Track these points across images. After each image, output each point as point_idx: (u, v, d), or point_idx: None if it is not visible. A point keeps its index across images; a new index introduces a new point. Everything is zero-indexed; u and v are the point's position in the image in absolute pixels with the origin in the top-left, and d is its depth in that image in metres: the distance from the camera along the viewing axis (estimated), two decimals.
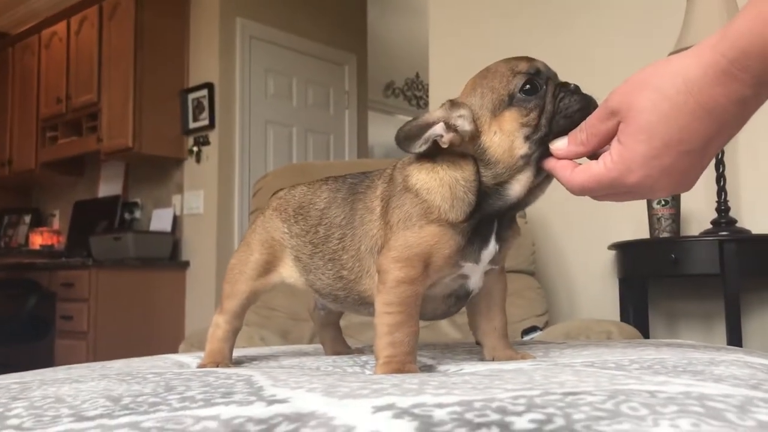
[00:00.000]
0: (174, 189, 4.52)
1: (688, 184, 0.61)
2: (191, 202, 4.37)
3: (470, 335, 0.77)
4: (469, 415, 0.35)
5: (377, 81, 6.16)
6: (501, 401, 0.37)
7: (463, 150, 0.66)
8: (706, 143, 0.56)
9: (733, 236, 2.23)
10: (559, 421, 0.33)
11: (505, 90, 0.65)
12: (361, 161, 3.56)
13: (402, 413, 0.37)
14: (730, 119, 0.54)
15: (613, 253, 2.61)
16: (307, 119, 4.80)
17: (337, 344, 0.94)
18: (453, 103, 0.66)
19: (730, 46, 0.51)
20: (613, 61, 2.69)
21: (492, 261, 0.70)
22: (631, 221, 2.56)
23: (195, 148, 4.34)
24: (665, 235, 2.37)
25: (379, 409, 0.38)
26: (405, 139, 0.65)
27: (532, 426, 0.33)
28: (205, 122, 4.27)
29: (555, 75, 0.69)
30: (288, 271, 0.81)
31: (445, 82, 3.26)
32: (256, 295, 0.83)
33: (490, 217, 0.67)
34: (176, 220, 4.45)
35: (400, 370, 0.62)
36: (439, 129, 0.65)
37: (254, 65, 4.48)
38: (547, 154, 0.66)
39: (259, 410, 0.40)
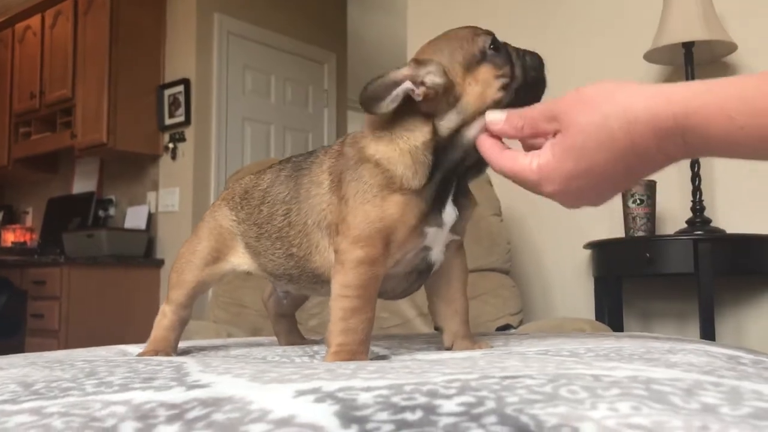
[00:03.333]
0: (149, 186, 4.46)
1: (598, 203, 0.64)
2: (166, 200, 4.32)
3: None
4: (395, 399, 0.32)
5: (357, 80, 6.12)
6: (434, 385, 0.35)
7: (431, 108, 0.66)
8: (627, 177, 0.60)
9: (708, 236, 2.23)
10: (490, 404, 0.30)
11: (476, 47, 0.67)
12: None
13: (325, 397, 0.34)
14: (654, 166, 0.58)
15: (588, 252, 2.60)
16: (286, 117, 4.76)
17: (292, 335, 0.91)
18: (419, 62, 0.66)
19: (684, 114, 0.54)
20: (590, 60, 2.69)
21: (453, 229, 0.69)
22: (607, 220, 2.55)
23: (171, 145, 4.29)
24: (640, 234, 2.36)
25: (301, 393, 0.35)
26: (370, 99, 0.64)
27: (460, 409, 0.30)
28: (181, 118, 4.22)
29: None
30: (239, 259, 0.79)
31: None
32: (204, 285, 0.80)
33: (447, 178, 0.66)
34: (151, 218, 4.40)
35: (350, 360, 0.59)
36: (408, 85, 0.64)
37: (232, 62, 4.43)
38: (515, 102, 0.67)
39: (175, 395, 0.37)
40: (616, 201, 2.41)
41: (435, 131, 0.65)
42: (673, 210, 2.46)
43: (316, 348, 0.80)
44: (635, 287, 2.64)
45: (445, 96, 0.65)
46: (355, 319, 0.61)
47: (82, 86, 4.34)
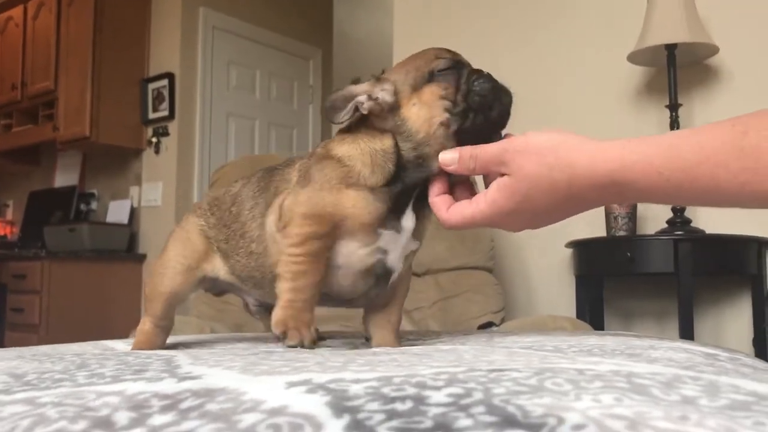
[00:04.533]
0: (132, 180, 4.44)
1: (535, 228, 0.71)
2: (149, 194, 4.30)
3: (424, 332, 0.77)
4: (385, 390, 0.33)
5: (342, 76, 6.12)
6: (422, 377, 0.36)
7: (382, 124, 0.70)
8: (565, 214, 0.68)
9: (688, 236, 2.26)
10: (477, 395, 0.31)
11: (427, 68, 0.70)
12: None
13: (316, 388, 0.35)
14: (591, 207, 0.67)
15: (570, 250, 2.62)
16: (270, 113, 4.75)
17: None
18: (378, 79, 0.71)
19: (620, 170, 0.61)
20: (574, 60, 2.71)
21: (413, 235, 0.72)
22: (588, 219, 2.57)
23: (154, 139, 4.27)
24: (621, 233, 2.39)
25: (292, 384, 0.36)
26: (331, 109, 0.70)
27: (448, 400, 0.31)
28: (165, 113, 4.20)
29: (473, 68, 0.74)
30: (211, 265, 0.80)
31: None
32: (178, 296, 0.81)
33: (409, 189, 0.70)
34: (133, 212, 4.37)
35: (295, 316, 0.66)
36: (362, 99, 0.69)
37: (216, 56, 4.42)
38: (467, 129, 0.70)
39: (168, 386, 0.38)
40: None
41: (397, 146, 0.69)
42: (653, 210, 2.49)
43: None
44: (616, 286, 2.67)
45: (391, 114, 0.69)
46: (302, 280, 0.67)
47: (65, 78, 4.30)
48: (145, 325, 0.80)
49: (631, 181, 0.61)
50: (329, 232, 0.67)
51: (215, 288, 0.83)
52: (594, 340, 0.62)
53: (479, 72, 0.71)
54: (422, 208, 0.72)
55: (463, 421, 0.28)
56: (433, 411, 0.30)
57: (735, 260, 2.34)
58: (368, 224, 0.67)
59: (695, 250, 2.22)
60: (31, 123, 4.66)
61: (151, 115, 4.27)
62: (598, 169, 0.61)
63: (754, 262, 2.33)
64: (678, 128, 2.37)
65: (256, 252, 0.73)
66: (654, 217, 2.48)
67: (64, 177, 4.81)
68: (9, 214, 5.22)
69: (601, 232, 2.45)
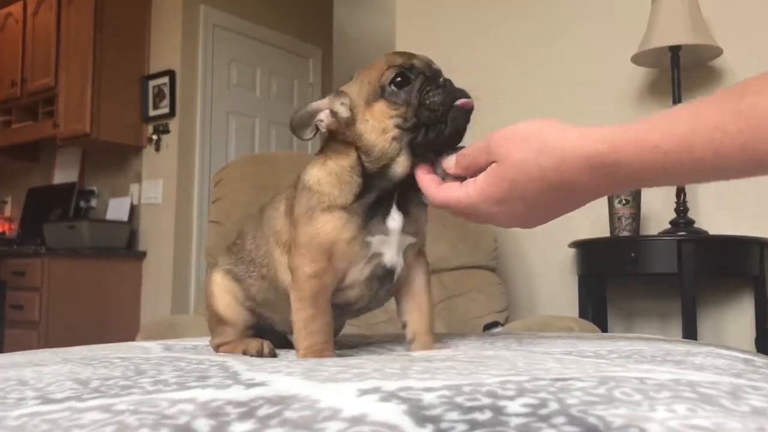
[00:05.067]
0: (132, 178, 4.43)
1: (530, 227, 0.70)
2: (149, 192, 4.30)
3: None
4: (459, 399, 0.34)
5: (341, 76, 6.12)
6: (489, 386, 0.37)
7: (343, 137, 0.71)
8: (557, 207, 0.66)
9: (692, 236, 2.27)
10: (553, 405, 0.32)
11: (378, 82, 0.69)
12: None
13: (389, 396, 0.35)
14: (582, 199, 0.65)
15: (573, 250, 2.63)
16: (271, 111, 4.75)
17: None
18: (338, 93, 0.72)
19: (610, 151, 0.60)
20: (577, 61, 2.72)
21: (406, 231, 0.73)
22: (592, 220, 2.59)
23: (154, 137, 4.26)
24: (625, 233, 2.40)
25: (364, 392, 0.37)
26: (297, 126, 0.71)
27: (525, 410, 0.32)
28: (166, 110, 4.20)
29: (435, 72, 0.72)
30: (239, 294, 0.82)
31: None
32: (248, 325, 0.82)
33: (385, 193, 0.71)
34: (133, 210, 4.37)
35: (319, 357, 0.66)
36: (322, 115, 0.71)
37: (217, 54, 4.41)
38: (420, 143, 0.70)
39: (238, 393, 0.39)
40: (602, 201, 2.44)
41: (360, 159, 0.70)
42: (657, 210, 2.51)
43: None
44: (619, 286, 2.69)
45: (348, 129, 0.70)
46: (315, 324, 0.68)
47: (65, 75, 4.30)
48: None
49: (624, 161, 0.59)
50: (327, 267, 0.68)
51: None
52: (626, 344, 0.63)
53: (433, 82, 0.70)
54: (407, 204, 0.73)
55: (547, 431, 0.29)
56: (515, 421, 0.31)
57: (737, 261, 2.36)
58: (352, 238, 0.69)
59: (698, 251, 2.23)
60: (30, 119, 4.65)
61: (152, 113, 4.27)
62: (588, 150, 0.60)
63: (756, 263, 2.35)
64: None
65: (268, 276, 0.76)
66: (657, 218, 2.50)
67: (64, 174, 4.80)
68: (7, 211, 5.21)
69: (604, 232, 2.47)
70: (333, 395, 0.37)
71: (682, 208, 2.34)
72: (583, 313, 2.54)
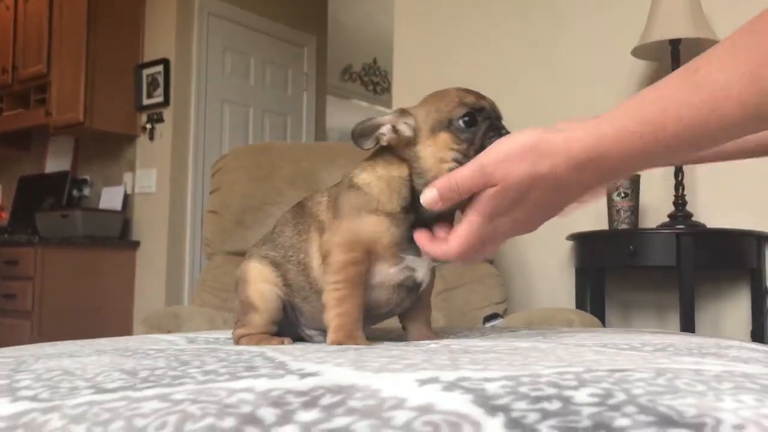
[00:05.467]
0: (125, 166, 4.41)
1: (532, 229, 0.73)
2: (143, 181, 4.28)
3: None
4: (523, 389, 0.34)
5: (335, 64, 6.11)
6: (548, 376, 0.37)
7: (400, 153, 0.75)
8: (554, 206, 0.70)
9: (690, 229, 2.29)
10: (620, 396, 0.33)
11: (448, 114, 0.73)
12: (326, 144, 3.53)
13: (451, 386, 0.36)
14: (574, 196, 0.69)
15: (571, 243, 2.64)
16: (265, 100, 4.73)
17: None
18: (403, 111, 0.75)
19: (595, 147, 0.64)
20: (577, 55, 2.72)
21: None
22: (590, 212, 2.60)
23: (148, 125, 4.24)
24: (624, 226, 2.42)
25: (424, 382, 0.37)
26: (359, 135, 0.75)
27: (593, 400, 0.32)
28: (160, 99, 4.17)
29: (498, 117, 0.76)
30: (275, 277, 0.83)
31: (409, 70, 3.24)
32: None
33: (425, 221, 0.74)
34: (127, 199, 4.35)
35: (349, 335, 0.70)
36: (385, 129, 0.74)
37: (212, 42, 4.39)
38: None
39: (294, 383, 0.39)
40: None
41: (411, 176, 0.74)
42: (655, 204, 2.52)
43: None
44: (617, 279, 2.70)
45: (408, 149, 0.74)
46: (348, 304, 0.72)
47: (58, 63, 4.26)
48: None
49: (606, 152, 0.63)
50: (364, 258, 0.72)
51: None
52: (652, 337, 0.64)
53: (497, 130, 0.73)
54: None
55: (622, 421, 0.29)
56: (586, 411, 0.31)
57: (735, 254, 2.38)
58: (389, 246, 0.73)
59: (697, 244, 2.25)
60: (22, 107, 4.61)
61: (146, 101, 4.25)
62: (573, 149, 0.64)
63: (753, 256, 2.37)
64: None
65: (303, 262, 0.78)
66: (655, 211, 2.51)
67: (56, 162, 4.77)
68: None
69: (603, 225, 2.48)
70: (393, 385, 0.37)
71: (680, 201, 2.35)
72: (580, 306, 2.55)
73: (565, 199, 0.69)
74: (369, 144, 0.74)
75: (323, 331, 0.79)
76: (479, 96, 0.75)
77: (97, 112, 4.13)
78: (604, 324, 2.57)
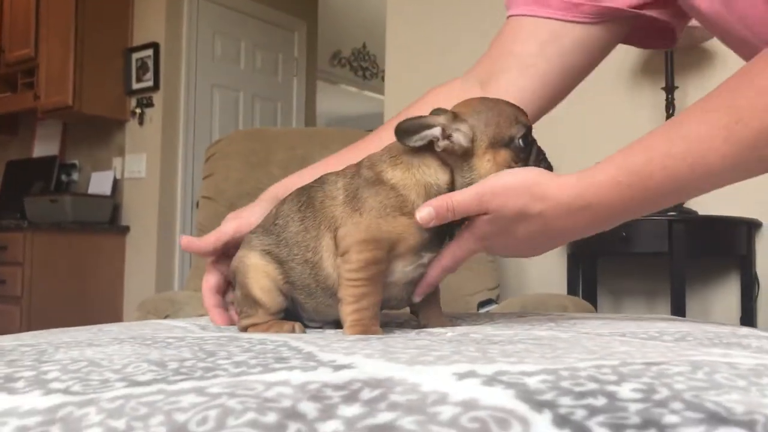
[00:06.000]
0: (115, 151, 4.38)
1: (524, 256, 0.79)
2: (133, 166, 4.25)
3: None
4: (565, 384, 0.34)
5: (324, 49, 6.08)
6: (585, 370, 0.37)
7: (447, 160, 0.73)
8: (546, 243, 0.75)
9: (681, 216, 2.30)
10: (664, 391, 0.33)
11: (508, 131, 0.73)
12: (321, 130, 3.52)
13: (490, 380, 0.36)
14: (569, 235, 0.74)
15: None
16: (255, 84, 4.71)
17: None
18: (456, 116, 0.72)
19: (586, 194, 0.68)
20: None
21: None
22: None
23: (138, 110, 4.21)
24: None
25: (462, 376, 0.37)
26: (405, 132, 0.71)
27: (638, 395, 0.32)
28: (150, 83, 4.14)
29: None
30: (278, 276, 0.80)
31: (402, 56, 3.23)
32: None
33: (454, 224, 0.73)
34: (116, 184, 4.33)
35: (366, 331, 0.68)
36: (436, 132, 0.71)
37: (201, 26, 4.36)
38: None
39: (329, 376, 0.39)
40: None
41: (452, 184, 0.73)
42: None
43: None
44: (608, 265, 2.72)
45: (462, 159, 0.73)
46: (366, 300, 0.70)
47: (46, 46, 4.22)
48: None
49: (593, 202, 0.68)
50: (386, 256, 0.71)
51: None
52: (666, 325, 0.65)
53: (543, 153, 0.76)
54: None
55: (671, 417, 0.30)
56: (633, 407, 0.31)
57: (726, 241, 2.41)
58: (414, 248, 0.72)
59: (688, 230, 2.27)
60: (9, 91, 4.57)
61: (135, 86, 4.22)
62: (563, 195, 0.68)
63: (744, 243, 2.40)
64: (674, 110, 2.41)
65: (312, 261, 0.75)
66: None
67: (44, 147, 4.73)
68: None
69: None
70: (431, 379, 0.37)
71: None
72: (572, 292, 2.57)
73: (555, 239, 0.74)
74: (415, 142, 0.72)
75: (327, 323, 0.79)
76: (524, 114, 0.76)
77: (85, 96, 4.10)
78: (596, 309, 2.59)
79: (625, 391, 0.33)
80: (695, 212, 2.37)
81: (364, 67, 6.93)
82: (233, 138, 2.64)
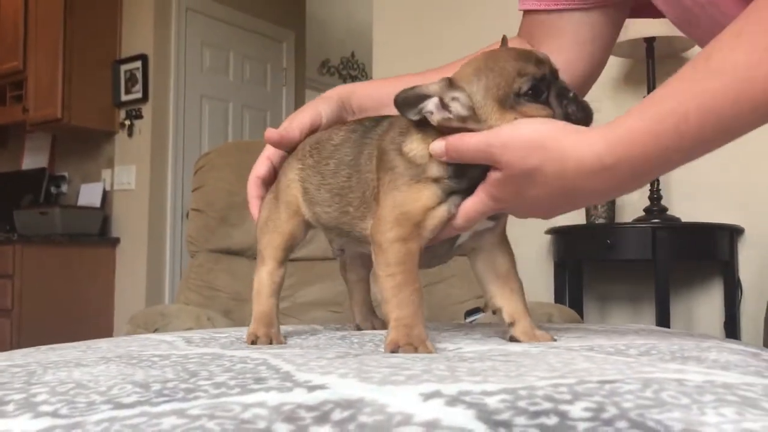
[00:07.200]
0: (104, 163, 4.39)
1: (546, 217, 0.73)
2: (122, 177, 4.26)
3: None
4: (521, 404, 0.37)
5: (313, 58, 6.10)
6: (543, 389, 0.39)
7: (447, 133, 0.68)
8: (566, 205, 0.69)
9: (665, 223, 2.34)
10: (612, 410, 0.35)
11: (512, 88, 0.67)
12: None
13: (453, 401, 0.38)
14: (589, 198, 0.68)
15: (549, 237, 2.69)
16: (244, 95, 4.73)
17: (367, 310, 0.95)
18: (452, 83, 0.68)
19: (608, 151, 0.61)
20: None
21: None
22: None
23: (127, 122, 4.23)
24: (600, 221, 2.47)
25: (428, 396, 0.39)
26: (403, 103, 0.67)
27: (587, 414, 0.35)
28: (138, 95, 4.16)
29: (557, 72, 0.70)
30: (303, 207, 0.81)
31: (389, 65, 3.26)
32: (295, 238, 0.83)
33: (475, 181, 0.69)
34: (106, 196, 4.33)
35: (408, 335, 0.65)
36: (431, 104, 0.67)
37: (190, 38, 4.38)
38: None
39: (304, 396, 0.41)
40: None
41: None
42: (631, 198, 2.56)
43: (367, 333, 0.84)
44: (594, 272, 2.75)
45: (471, 124, 0.67)
46: (404, 292, 0.67)
47: (34, 59, 4.23)
48: (263, 285, 0.82)
49: (627, 155, 0.60)
50: (413, 231, 0.67)
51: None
52: (636, 338, 0.67)
53: (568, 95, 0.69)
54: None
55: None
56: (581, 426, 0.33)
57: (709, 247, 2.44)
58: (436, 211, 0.68)
59: (671, 237, 2.31)
60: None
61: (124, 98, 4.23)
62: (584, 155, 0.61)
63: (726, 249, 2.43)
64: None
65: (353, 215, 0.75)
66: (631, 206, 2.56)
67: (33, 159, 4.73)
68: None
69: (580, 219, 2.53)
70: (399, 400, 0.39)
71: (655, 195, 2.40)
72: (558, 299, 2.60)
73: (576, 200, 0.68)
74: (413, 115, 0.67)
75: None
76: (537, 61, 0.68)
77: (74, 108, 4.11)
78: (582, 316, 2.62)
79: (577, 410, 0.36)
80: (678, 219, 2.41)
81: (353, 75, 6.95)
82: (223, 150, 2.66)
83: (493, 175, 0.66)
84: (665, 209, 2.42)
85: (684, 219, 2.42)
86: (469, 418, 0.35)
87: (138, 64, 4.17)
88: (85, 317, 4.03)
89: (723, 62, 0.57)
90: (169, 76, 4.26)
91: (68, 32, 4.10)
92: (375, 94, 0.92)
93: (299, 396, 0.41)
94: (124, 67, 4.24)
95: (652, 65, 2.44)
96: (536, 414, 0.35)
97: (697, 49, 2.51)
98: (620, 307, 2.74)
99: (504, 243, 0.78)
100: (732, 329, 2.41)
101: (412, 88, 0.67)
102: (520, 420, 0.35)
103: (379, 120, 0.78)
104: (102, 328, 4.02)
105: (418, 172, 0.68)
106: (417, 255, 0.68)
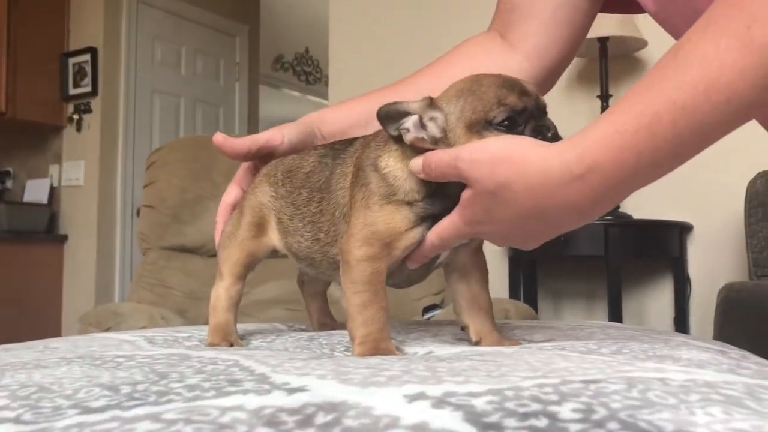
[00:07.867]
0: (51, 158, 4.28)
1: (526, 247, 0.69)
2: (70, 173, 4.16)
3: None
4: (509, 405, 0.36)
5: (266, 54, 6.05)
6: (529, 390, 0.39)
7: (418, 152, 0.67)
8: (543, 231, 0.64)
9: (617, 221, 2.38)
10: (601, 411, 0.35)
11: (484, 115, 0.65)
12: None
13: (439, 402, 0.37)
14: (564, 219, 0.61)
15: None
16: (196, 90, 4.66)
17: (323, 316, 0.94)
18: (432, 103, 0.67)
19: (577, 160, 0.57)
20: None
21: None
22: None
23: (75, 116, 4.12)
24: None
25: (413, 398, 0.38)
26: (385, 117, 0.67)
27: (577, 416, 0.34)
28: (87, 89, 4.06)
29: (543, 108, 0.68)
30: (273, 234, 0.81)
31: (345, 59, 3.24)
32: (254, 257, 0.82)
33: (453, 199, 0.67)
34: (53, 192, 4.22)
35: (375, 349, 0.64)
36: (409, 123, 0.66)
37: (141, 31, 4.29)
38: None
39: (283, 399, 0.40)
40: None
41: None
42: None
43: (335, 334, 0.83)
44: (548, 268, 2.78)
45: (440, 145, 0.67)
46: (370, 310, 0.66)
47: None
48: (220, 299, 0.81)
49: (599, 161, 0.56)
50: (382, 251, 0.66)
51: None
52: (603, 336, 0.67)
53: (542, 132, 0.66)
54: None
55: None
56: (573, 427, 0.33)
57: (659, 244, 2.50)
58: (408, 233, 0.67)
59: (623, 234, 2.35)
60: None
61: (72, 91, 4.13)
62: (556, 164, 0.57)
63: (676, 245, 2.49)
64: None
65: (323, 241, 0.74)
66: None
67: None
68: None
69: None
70: (384, 402, 0.38)
71: None
72: (513, 294, 2.62)
73: (555, 223, 0.62)
74: (393, 131, 0.67)
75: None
76: (522, 92, 0.66)
77: (19, 101, 3.99)
78: (536, 312, 2.65)
79: (566, 411, 0.35)
80: (630, 216, 2.45)
81: (308, 71, 6.91)
82: (175, 145, 2.61)
83: (464, 195, 0.64)
84: (617, 207, 2.46)
85: (635, 216, 2.46)
86: (457, 421, 0.35)
87: (87, 57, 4.07)
88: (32, 317, 3.92)
89: (690, 55, 0.54)
90: (119, 70, 4.17)
91: (12, 23, 3.97)
92: (344, 116, 0.91)
93: (279, 399, 0.40)
94: (72, 60, 4.13)
95: (605, 65, 2.48)
96: (526, 416, 0.35)
97: (647, 50, 2.55)
98: (574, 303, 2.78)
99: (479, 259, 0.77)
100: (682, 324, 2.47)
101: (395, 103, 0.67)
102: (510, 422, 0.34)
103: (350, 141, 0.78)
104: (51, 328, 3.91)
105: (390, 191, 0.67)
106: (384, 273, 0.67)
